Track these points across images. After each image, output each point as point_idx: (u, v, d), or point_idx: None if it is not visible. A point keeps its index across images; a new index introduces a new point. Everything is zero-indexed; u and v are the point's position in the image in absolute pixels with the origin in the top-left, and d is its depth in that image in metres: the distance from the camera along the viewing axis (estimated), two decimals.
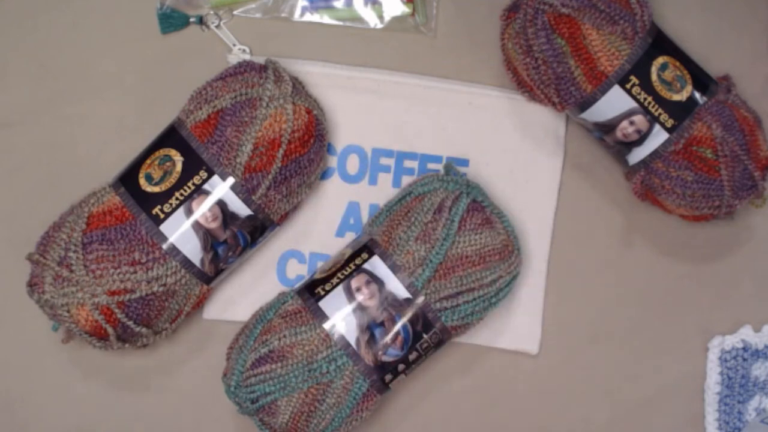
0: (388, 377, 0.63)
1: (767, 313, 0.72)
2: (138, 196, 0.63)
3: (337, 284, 0.64)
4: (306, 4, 0.71)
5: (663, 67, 0.65)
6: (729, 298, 0.72)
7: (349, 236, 0.71)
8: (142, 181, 0.64)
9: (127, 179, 0.64)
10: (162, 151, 0.64)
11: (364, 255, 0.64)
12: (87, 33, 0.72)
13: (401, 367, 0.64)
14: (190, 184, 0.63)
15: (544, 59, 0.65)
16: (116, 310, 0.62)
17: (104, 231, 0.63)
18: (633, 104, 0.65)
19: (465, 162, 0.71)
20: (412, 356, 0.64)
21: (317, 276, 0.65)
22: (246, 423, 0.69)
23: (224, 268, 0.66)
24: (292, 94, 0.65)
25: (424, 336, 0.63)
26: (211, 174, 0.63)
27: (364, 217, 0.71)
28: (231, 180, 0.63)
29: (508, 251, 0.65)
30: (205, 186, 0.63)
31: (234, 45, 0.71)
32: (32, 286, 0.64)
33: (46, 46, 0.71)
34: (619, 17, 0.64)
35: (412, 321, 0.63)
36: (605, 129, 0.67)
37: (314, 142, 0.65)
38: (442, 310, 0.63)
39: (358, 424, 0.64)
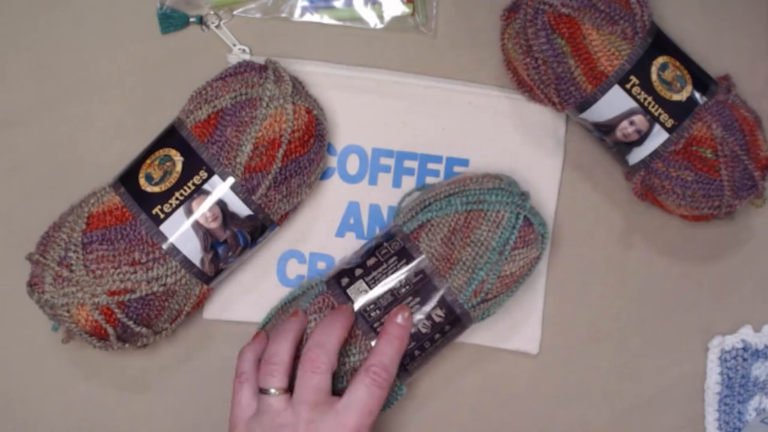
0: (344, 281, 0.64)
1: (767, 313, 0.72)
2: (138, 196, 0.63)
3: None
4: (306, 4, 0.71)
5: (663, 67, 0.65)
6: (729, 298, 0.72)
7: (349, 236, 0.71)
8: (142, 181, 0.64)
9: (127, 179, 0.64)
10: (162, 151, 0.64)
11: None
12: (87, 33, 0.72)
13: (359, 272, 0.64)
14: (190, 184, 0.63)
15: (544, 59, 0.65)
16: (116, 310, 0.62)
17: (104, 231, 0.63)
18: (633, 104, 0.65)
19: (465, 162, 0.71)
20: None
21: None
22: None
23: (224, 268, 0.66)
24: (292, 94, 0.65)
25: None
26: (211, 174, 0.63)
27: (364, 217, 0.71)
28: (231, 180, 0.63)
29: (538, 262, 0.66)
30: (205, 186, 0.63)
31: (234, 45, 0.71)
32: (32, 286, 0.64)
33: (46, 46, 0.71)
34: (619, 17, 0.64)
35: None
36: (605, 129, 0.67)
37: (314, 142, 0.65)
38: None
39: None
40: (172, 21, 0.71)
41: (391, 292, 0.63)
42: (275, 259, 0.71)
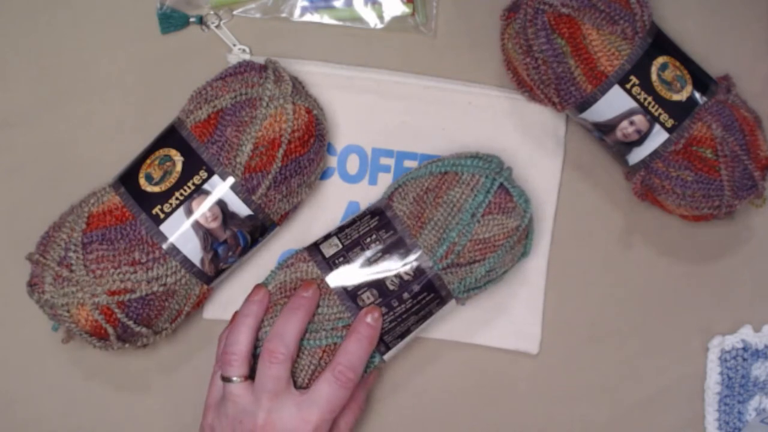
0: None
1: (767, 313, 0.72)
2: (138, 196, 0.63)
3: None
4: (306, 4, 0.71)
5: (663, 67, 0.65)
6: (729, 298, 0.72)
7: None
8: (142, 181, 0.64)
9: (127, 179, 0.64)
10: (162, 151, 0.64)
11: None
12: (87, 33, 0.72)
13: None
14: (190, 184, 0.63)
15: (544, 59, 0.65)
16: (116, 310, 0.62)
17: (104, 231, 0.63)
18: (633, 104, 0.65)
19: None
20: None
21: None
22: None
23: (224, 268, 0.66)
24: (292, 94, 0.65)
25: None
26: (211, 174, 0.63)
27: None
28: (231, 180, 0.63)
29: (519, 237, 0.65)
30: (205, 186, 0.63)
31: (234, 45, 0.71)
32: (32, 286, 0.64)
33: (46, 46, 0.72)
34: (619, 17, 0.64)
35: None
36: (605, 129, 0.67)
37: (314, 142, 0.65)
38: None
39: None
40: (172, 21, 0.71)
41: (361, 246, 0.64)
42: (275, 259, 0.71)
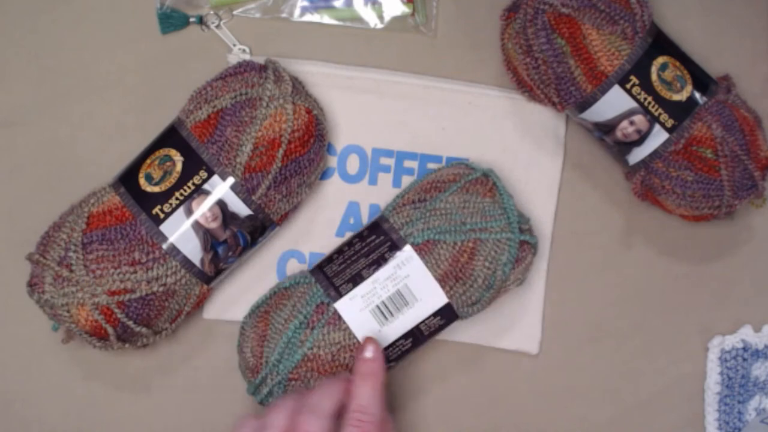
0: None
1: (767, 313, 0.72)
2: (138, 196, 0.63)
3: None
4: (306, 4, 0.71)
5: (663, 67, 0.65)
6: (729, 298, 0.72)
7: (349, 236, 0.70)
8: (142, 181, 0.64)
9: (127, 179, 0.64)
10: (162, 151, 0.64)
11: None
12: (87, 33, 0.72)
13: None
14: (190, 184, 0.63)
15: (544, 59, 0.65)
16: (116, 310, 0.62)
17: (104, 231, 0.63)
18: (633, 104, 0.65)
19: (465, 162, 0.71)
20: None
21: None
22: None
23: (224, 268, 0.66)
24: (292, 94, 0.65)
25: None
26: (211, 174, 0.63)
27: (364, 216, 0.71)
28: (231, 180, 0.63)
29: (475, 186, 0.65)
30: (205, 186, 0.63)
31: (234, 45, 0.71)
32: (32, 286, 0.64)
33: (46, 46, 0.72)
34: (619, 17, 0.64)
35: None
36: (605, 129, 0.67)
37: (314, 142, 0.66)
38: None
39: None
40: (172, 21, 0.71)
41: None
42: (275, 259, 0.71)
